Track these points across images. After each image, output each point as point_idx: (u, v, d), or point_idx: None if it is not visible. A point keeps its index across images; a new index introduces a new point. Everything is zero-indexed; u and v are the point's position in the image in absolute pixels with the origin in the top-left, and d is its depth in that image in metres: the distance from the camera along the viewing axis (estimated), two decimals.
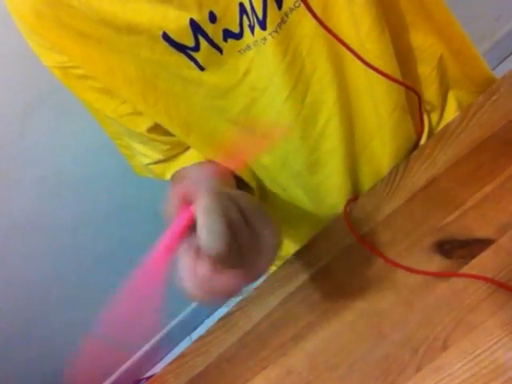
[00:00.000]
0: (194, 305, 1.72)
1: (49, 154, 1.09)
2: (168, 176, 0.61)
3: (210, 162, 0.59)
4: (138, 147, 0.58)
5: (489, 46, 1.55)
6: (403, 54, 0.52)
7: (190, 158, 0.60)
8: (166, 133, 0.55)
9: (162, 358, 1.83)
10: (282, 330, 0.54)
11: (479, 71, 0.59)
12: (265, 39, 0.44)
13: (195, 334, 1.81)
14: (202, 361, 0.57)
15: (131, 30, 0.43)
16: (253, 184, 0.62)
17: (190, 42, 0.43)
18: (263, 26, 0.43)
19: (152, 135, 0.55)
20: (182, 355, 0.59)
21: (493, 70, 1.63)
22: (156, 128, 0.54)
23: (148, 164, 0.60)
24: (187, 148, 0.59)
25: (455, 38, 0.55)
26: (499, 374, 0.41)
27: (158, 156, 0.59)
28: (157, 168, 0.61)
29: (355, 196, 0.60)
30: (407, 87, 0.52)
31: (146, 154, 0.59)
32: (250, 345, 0.55)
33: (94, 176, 1.17)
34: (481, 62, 0.59)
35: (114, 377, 1.76)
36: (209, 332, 0.58)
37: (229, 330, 0.57)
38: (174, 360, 0.60)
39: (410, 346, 0.46)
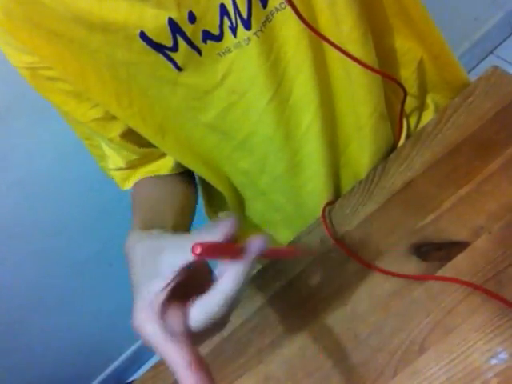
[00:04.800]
0: None
1: (27, 157, 1.08)
2: (127, 186, 0.60)
3: (170, 180, 0.59)
4: (107, 150, 0.58)
5: (468, 45, 1.57)
6: (384, 57, 0.52)
7: (151, 169, 0.59)
8: (136, 141, 0.54)
9: (146, 361, 1.82)
10: (260, 337, 0.53)
11: (456, 77, 0.59)
12: (249, 39, 0.43)
13: None
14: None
15: (107, 28, 0.41)
16: (227, 193, 0.61)
17: (169, 42, 0.43)
18: (248, 26, 0.43)
19: (121, 142, 0.54)
20: (158, 363, 0.58)
21: (472, 69, 1.64)
22: (126, 135, 0.53)
23: (111, 169, 0.60)
24: (152, 159, 0.59)
25: (434, 42, 0.55)
26: (474, 377, 0.41)
27: (121, 164, 0.58)
28: (118, 175, 0.60)
29: (334, 199, 0.60)
30: (394, 81, 0.52)
31: (112, 159, 0.58)
32: (227, 352, 0.54)
33: (74, 178, 1.16)
34: (458, 68, 0.59)
35: (97, 380, 1.75)
36: None
37: None
38: (151, 368, 0.59)
39: (387, 350, 0.46)
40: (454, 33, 0.92)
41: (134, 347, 1.74)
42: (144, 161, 0.59)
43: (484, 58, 1.60)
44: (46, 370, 1.57)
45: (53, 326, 1.45)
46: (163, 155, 0.59)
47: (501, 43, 1.61)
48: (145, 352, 1.77)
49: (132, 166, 0.59)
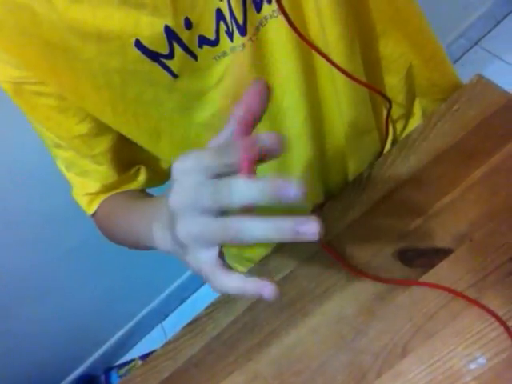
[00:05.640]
0: (166, 293, 1.72)
1: (15, 145, 1.07)
2: (92, 210, 0.61)
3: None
4: (82, 171, 0.59)
5: (455, 35, 1.58)
6: (371, 64, 0.53)
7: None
8: (119, 158, 0.56)
9: (133, 346, 1.84)
10: (249, 336, 0.55)
11: (447, 77, 0.60)
12: (243, 45, 0.44)
13: (167, 322, 1.82)
14: (169, 365, 0.58)
15: (101, 37, 0.41)
16: None
17: (164, 50, 0.42)
18: (243, 32, 0.43)
19: (103, 160, 0.55)
20: (149, 360, 0.59)
21: (458, 60, 1.65)
22: (109, 152, 0.54)
23: (79, 194, 0.61)
24: (125, 182, 0.60)
25: (427, 43, 0.56)
26: (454, 380, 0.43)
27: (93, 188, 0.59)
28: (84, 199, 0.61)
29: (322, 203, 0.61)
30: (380, 94, 0.53)
31: (85, 181, 0.59)
32: (217, 350, 0.56)
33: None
34: (449, 68, 0.60)
35: (85, 364, 1.77)
36: (176, 337, 0.59)
37: (196, 335, 0.58)
38: (142, 364, 0.60)
39: (371, 352, 0.48)
40: (441, 21, 0.93)
41: (121, 332, 1.76)
42: (115, 185, 0.60)
43: (469, 49, 1.61)
44: (34, 356, 1.58)
45: (40, 312, 1.46)
46: (135, 176, 0.61)
47: (486, 34, 1.63)
48: (133, 336, 1.79)
49: (104, 190, 0.60)
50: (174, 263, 0.81)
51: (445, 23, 1.50)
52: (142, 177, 0.61)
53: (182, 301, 1.78)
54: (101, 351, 1.77)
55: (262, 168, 0.57)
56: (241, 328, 0.56)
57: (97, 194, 0.60)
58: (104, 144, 0.53)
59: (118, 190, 0.60)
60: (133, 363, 1.77)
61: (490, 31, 1.62)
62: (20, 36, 0.42)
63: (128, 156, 0.58)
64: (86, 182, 0.59)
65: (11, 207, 1.18)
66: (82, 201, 0.61)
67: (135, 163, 0.61)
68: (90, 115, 0.50)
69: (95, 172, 0.57)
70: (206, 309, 0.59)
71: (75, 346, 1.68)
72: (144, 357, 1.76)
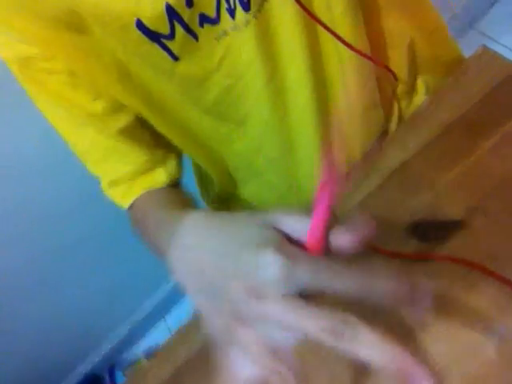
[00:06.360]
0: (167, 287, 1.72)
1: (13, 141, 1.06)
2: (128, 202, 0.58)
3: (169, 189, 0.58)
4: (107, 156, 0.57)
5: (451, 17, 1.57)
6: (375, 39, 0.52)
7: (147, 182, 0.58)
8: (138, 136, 0.54)
9: (136, 342, 1.83)
10: None
11: (449, 51, 0.60)
12: (247, 22, 0.43)
13: (170, 317, 1.81)
14: (185, 350, 0.57)
15: (102, 17, 0.41)
16: (219, 177, 0.62)
17: (165, 30, 0.42)
18: (247, 7, 0.42)
19: (122, 138, 0.54)
20: (163, 347, 0.59)
21: (459, 38, 1.63)
22: (127, 130, 0.53)
23: (111, 181, 0.58)
24: (152, 168, 0.58)
25: (428, 18, 0.56)
26: (473, 352, 0.43)
27: (122, 170, 0.57)
28: (116, 191, 0.59)
29: None
30: (385, 67, 0.53)
31: (112, 166, 0.57)
32: None
33: (60, 162, 1.14)
34: (451, 42, 0.60)
35: (89, 361, 1.76)
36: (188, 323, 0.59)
37: None
38: (155, 353, 0.60)
39: (388, 327, 0.47)
40: (435, 3, 0.93)
41: (123, 328, 1.75)
42: (143, 167, 0.58)
43: (465, 32, 1.61)
44: (37, 354, 1.58)
45: (38, 309, 1.45)
46: (158, 164, 0.59)
47: (481, 17, 1.62)
48: (134, 333, 1.78)
49: (130, 177, 0.58)
50: None
51: (439, 5, 1.50)
52: (173, 162, 0.59)
53: (185, 294, 1.78)
54: (104, 348, 1.77)
55: (269, 146, 0.57)
56: None
57: (124, 180, 0.57)
58: (122, 121, 0.53)
59: (149, 179, 0.58)
60: (138, 362, 1.77)
61: (485, 14, 1.62)
62: (25, 13, 0.42)
63: (151, 136, 0.57)
64: (110, 166, 0.57)
65: (8, 204, 1.17)
66: (114, 193, 0.59)
67: (160, 146, 0.58)
68: (103, 93, 0.49)
69: (117, 153, 0.56)
70: None
71: (78, 343, 1.68)
72: (148, 353, 1.76)
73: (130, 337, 1.78)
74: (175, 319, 1.78)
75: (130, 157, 0.56)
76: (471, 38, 1.58)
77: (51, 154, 1.10)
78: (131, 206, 0.58)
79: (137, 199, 0.58)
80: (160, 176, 0.58)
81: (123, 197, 0.58)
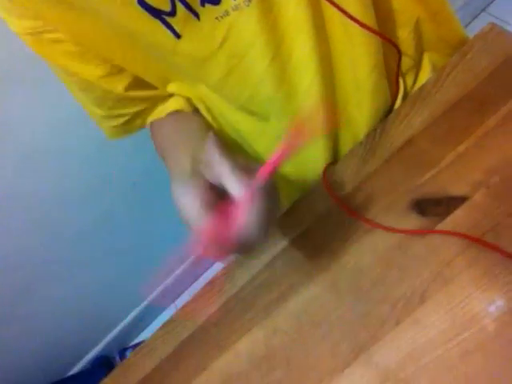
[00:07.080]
0: (178, 272, 1.73)
1: (23, 129, 1.07)
2: (149, 120, 0.61)
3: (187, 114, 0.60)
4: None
5: (461, 3, 1.55)
6: (382, 17, 0.52)
7: (169, 106, 0.60)
8: (145, 87, 0.55)
9: (146, 326, 1.86)
10: (266, 292, 0.55)
11: (454, 33, 0.59)
12: (249, 1, 0.43)
13: (180, 301, 1.83)
14: (189, 325, 0.58)
15: None
16: None
17: (167, 7, 0.42)
18: None
19: (130, 93, 0.55)
20: (169, 321, 0.60)
21: (465, 27, 1.63)
22: (133, 85, 0.54)
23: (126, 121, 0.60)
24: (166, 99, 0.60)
25: None
26: (473, 323, 0.43)
27: (135, 109, 0.59)
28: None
29: (334, 160, 0.61)
30: (390, 42, 0.53)
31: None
32: (235, 308, 0.56)
33: (73, 148, 1.16)
34: (456, 24, 0.59)
35: (99, 346, 1.79)
36: (195, 297, 0.60)
37: (214, 294, 0.58)
38: (162, 326, 0.61)
39: (389, 301, 0.48)
40: None
41: (134, 312, 1.77)
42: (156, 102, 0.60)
43: (476, 16, 1.59)
44: (50, 337, 1.60)
45: (55, 293, 1.47)
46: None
47: (493, 1, 1.60)
48: (146, 316, 1.81)
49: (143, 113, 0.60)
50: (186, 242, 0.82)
51: None
52: (180, 101, 0.60)
53: (196, 278, 1.79)
54: (115, 332, 1.79)
55: (274, 126, 0.58)
56: (258, 285, 0.56)
57: (139, 115, 0.60)
58: (126, 79, 0.54)
59: (166, 106, 0.60)
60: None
61: None
62: None
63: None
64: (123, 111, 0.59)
65: (23, 189, 1.19)
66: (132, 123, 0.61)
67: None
68: (107, 60, 0.51)
69: (128, 99, 0.57)
70: (223, 269, 0.59)
71: (89, 327, 1.70)
72: None
73: (140, 320, 1.81)
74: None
75: (141, 101, 0.58)
76: (484, 21, 1.56)
77: (66, 139, 1.12)
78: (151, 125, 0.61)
79: (155, 122, 0.61)
80: (173, 103, 0.60)
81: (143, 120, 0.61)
